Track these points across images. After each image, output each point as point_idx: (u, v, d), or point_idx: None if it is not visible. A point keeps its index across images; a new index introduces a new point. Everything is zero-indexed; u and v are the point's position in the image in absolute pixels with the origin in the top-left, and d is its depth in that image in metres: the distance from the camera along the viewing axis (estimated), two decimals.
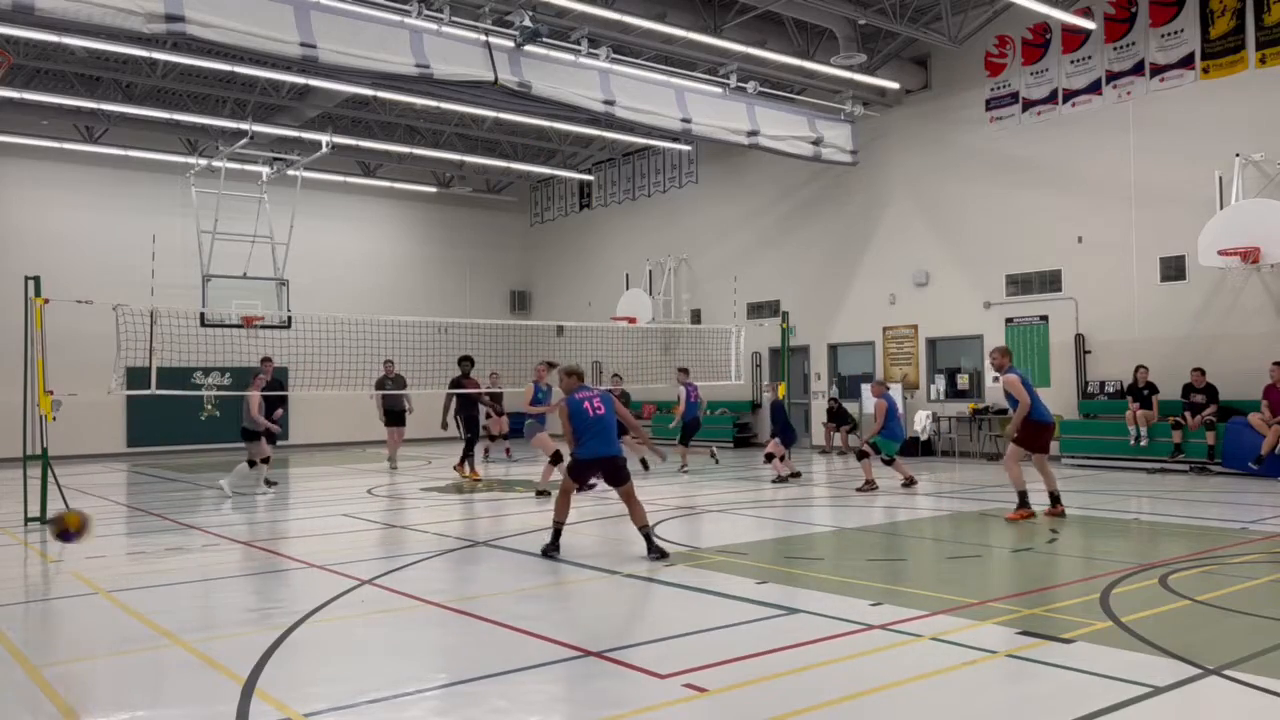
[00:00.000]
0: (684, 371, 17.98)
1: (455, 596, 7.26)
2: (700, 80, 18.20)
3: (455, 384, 16.63)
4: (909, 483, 13.85)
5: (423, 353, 19.17)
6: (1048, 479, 10.77)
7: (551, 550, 8.75)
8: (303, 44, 13.18)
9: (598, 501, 12.91)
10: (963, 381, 19.57)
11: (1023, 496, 10.68)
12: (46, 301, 11.63)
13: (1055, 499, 10.71)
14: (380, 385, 17.97)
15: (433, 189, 28.08)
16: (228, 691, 5.00)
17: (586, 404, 8.73)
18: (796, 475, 15.20)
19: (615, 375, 20.65)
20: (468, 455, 16.21)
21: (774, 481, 14.93)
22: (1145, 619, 6.17)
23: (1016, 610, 6.45)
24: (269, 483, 15.00)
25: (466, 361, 16.89)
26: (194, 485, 16.01)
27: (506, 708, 4.75)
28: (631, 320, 24.12)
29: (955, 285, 19.45)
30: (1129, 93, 16.92)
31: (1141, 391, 16.00)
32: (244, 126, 19.42)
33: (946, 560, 8.63)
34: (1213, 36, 15.93)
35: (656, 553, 8.46)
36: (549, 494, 13.45)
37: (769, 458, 15.33)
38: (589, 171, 27.68)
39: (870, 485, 13.63)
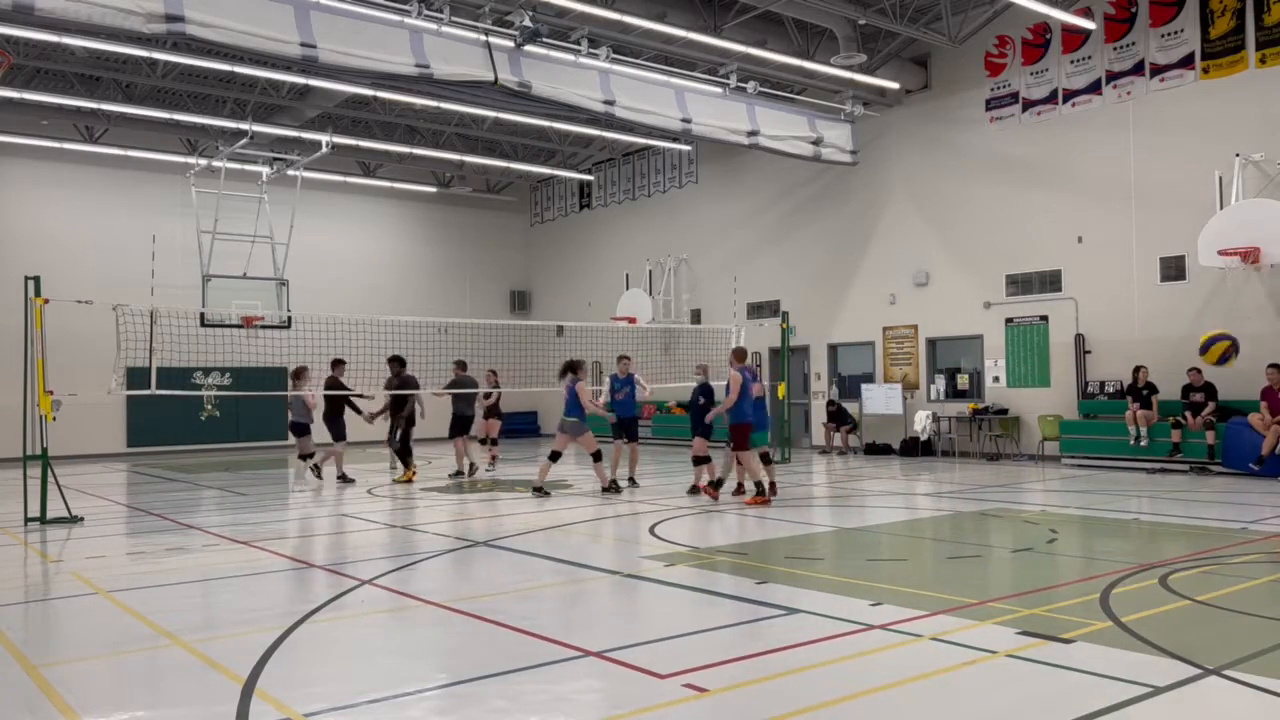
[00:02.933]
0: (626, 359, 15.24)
1: (455, 596, 7.26)
2: (700, 80, 18.20)
3: (406, 384, 15.87)
4: (693, 490, 13.25)
5: (423, 353, 19.16)
6: (739, 471, 12.66)
7: None
8: (303, 44, 13.18)
9: (601, 501, 12.91)
10: (963, 382, 19.57)
11: (759, 486, 12.25)
12: (46, 301, 11.62)
13: (761, 488, 12.28)
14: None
15: (433, 189, 28.09)
16: (228, 691, 5.00)
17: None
18: (716, 486, 13.11)
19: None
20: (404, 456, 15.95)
21: (689, 491, 13.28)
22: (1145, 619, 6.17)
23: (1016, 610, 6.45)
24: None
25: (397, 362, 15.99)
26: (194, 485, 16.02)
27: (506, 708, 4.75)
28: (631, 320, 24.12)
29: (955, 285, 19.45)
30: (1129, 93, 16.92)
31: (1141, 391, 16.00)
32: (244, 126, 19.42)
33: (946, 560, 8.63)
34: (1213, 36, 15.93)
35: None
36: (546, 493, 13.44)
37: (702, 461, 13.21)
38: (589, 171, 27.69)
39: (709, 490, 12.73)
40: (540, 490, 13.54)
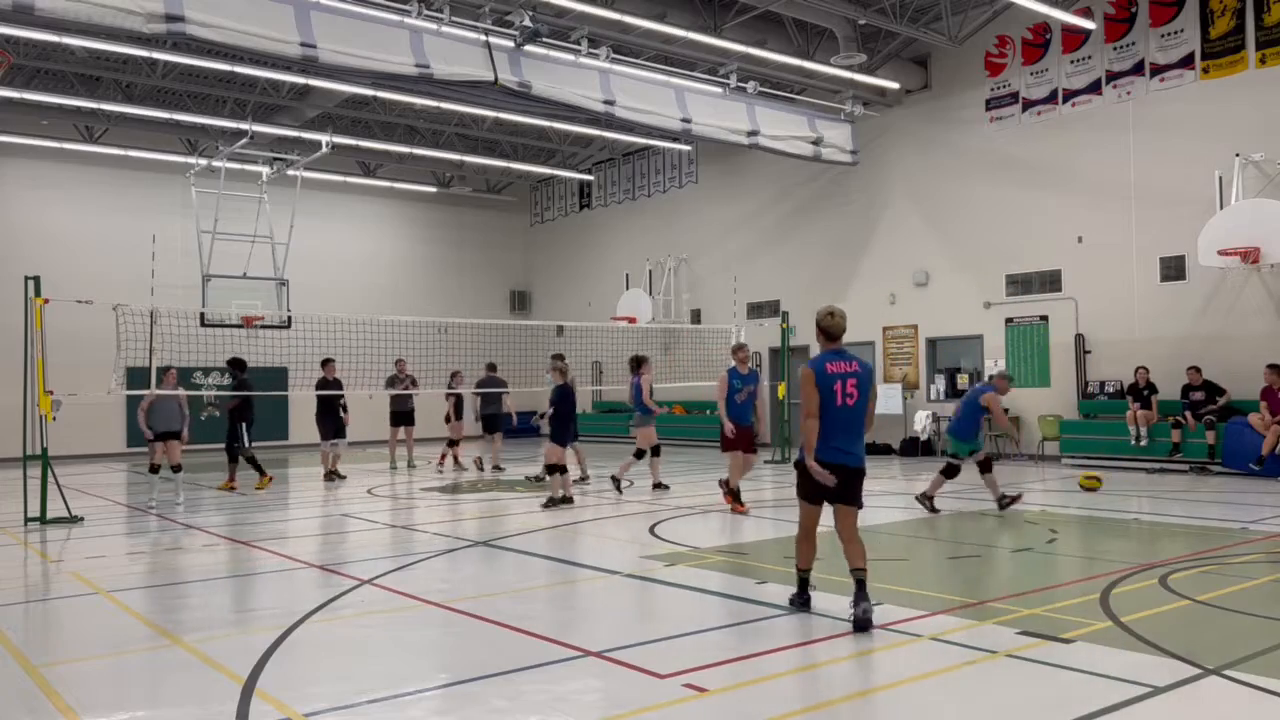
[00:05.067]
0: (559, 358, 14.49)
1: (455, 596, 7.26)
2: (700, 80, 18.19)
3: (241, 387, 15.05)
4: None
5: (423, 353, 19.19)
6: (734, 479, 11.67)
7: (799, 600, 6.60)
8: (303, 44, 13.17)
9: (600, 501, 12.91)
10: (963, 381, 19.54)
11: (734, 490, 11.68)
12: (46, 301, 11.63)
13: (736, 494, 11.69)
14: (390, 384, 18.00)
15: (433, 189, 28.09)
16: (228, 691, 5.00)
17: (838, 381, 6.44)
18: (568, 501, 12.30)
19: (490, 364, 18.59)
20: (252, 462, 15.02)
21: (545, 505, 12.15)
22: (1145, 619, 6.17)
23: (1016, 610, 6.45)
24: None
25: (236, 366, 15.24)
26: (194, 485, 15.99)
27: (506, 708, 4.75)
28: (631, 320, 24.12)
29: (955, 285, 19.45)
30: (1129, 93, 16.92)
31: (1142, 391, 16.00)
32: (244, 126, 19.42)
33: (946, 560, 8.63)
34: (1213, 36, 15.93)
35: (861, 609, 5.99)
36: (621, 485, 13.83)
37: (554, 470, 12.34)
38: (589, 171, 27.69)
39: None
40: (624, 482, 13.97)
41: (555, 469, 12.19)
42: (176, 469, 13.42)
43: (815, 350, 6.99)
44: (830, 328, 6.63)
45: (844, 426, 6.39)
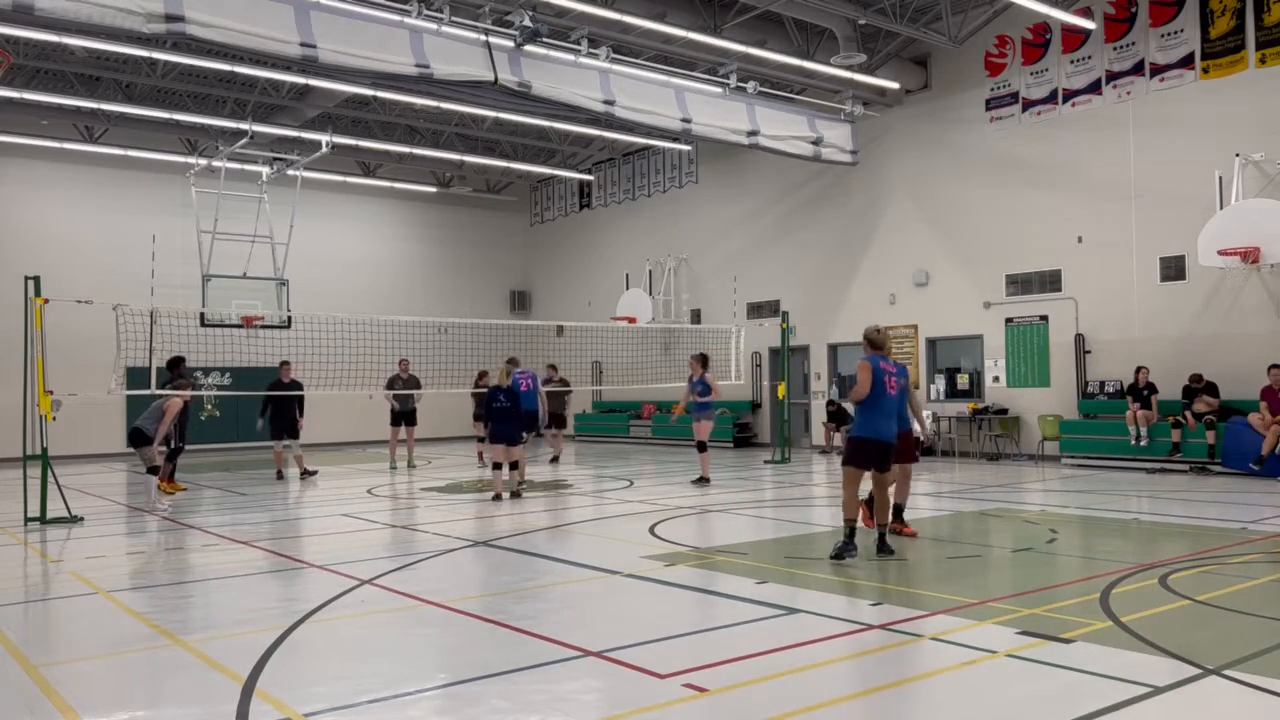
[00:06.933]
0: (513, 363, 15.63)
1: (455, 596, 7.26)
2: (700, 80, 18.19)
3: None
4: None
5: (423, 353, 19.19)
6: (899, 494, 9.86)
7: (846, 551, 8.44)
8: (303, 44, 13.17)
9: (600, 501, 12.91)
10: (963, 381, 19.57)
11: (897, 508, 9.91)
12: (46, 301, 11.63)
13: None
14: (392, 384, 18.02)
15: (433, 189, 28.09)
16: (228, 691, 5.00)
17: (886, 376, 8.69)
18: (516, 495, 13.01)
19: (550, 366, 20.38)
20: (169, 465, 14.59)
21: (494, 499, 13.01)
22: (1145, 619, 6.17)
23: (1016, 610, 6.45)
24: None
25: (177, 364, 14.85)
26: (194, 485, 16.01)
27: (506, 708, 4.75)
28: (631, 320, 24.12)
29: (955, 285, 19.45)
30: (1129, 93, 16.92)
31: (1141, 392, 16.00)
32: (244, 126, 19.41)
33: (946, 560, 8.63)
34: (1213, 36, 15.93)
35: (886, 550, 8.66)
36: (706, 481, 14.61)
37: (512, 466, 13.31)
38: (589, 171, 27.69)
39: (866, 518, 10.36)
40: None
41: (495, 466, 13.30)
42: (154, 470, 13.51)
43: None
44: (877, 340, 8.94)
45: (889, 411, 8.59)
